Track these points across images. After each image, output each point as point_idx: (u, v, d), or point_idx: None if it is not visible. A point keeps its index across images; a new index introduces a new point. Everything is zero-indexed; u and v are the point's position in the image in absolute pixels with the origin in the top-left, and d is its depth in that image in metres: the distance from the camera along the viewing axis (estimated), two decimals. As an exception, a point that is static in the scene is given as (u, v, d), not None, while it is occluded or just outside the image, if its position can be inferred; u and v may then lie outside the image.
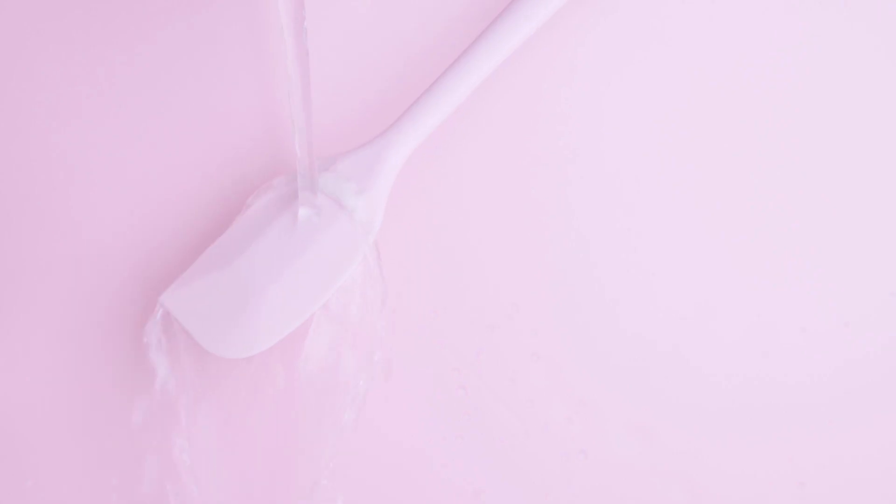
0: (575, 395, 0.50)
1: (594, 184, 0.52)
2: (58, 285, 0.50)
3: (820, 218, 0.52)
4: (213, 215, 0.51)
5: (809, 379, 0.50)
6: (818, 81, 0.52)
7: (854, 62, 0.52)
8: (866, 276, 0.51)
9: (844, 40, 0.53)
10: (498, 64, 0.49)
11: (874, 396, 0.50)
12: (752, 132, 0.52)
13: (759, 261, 0.51)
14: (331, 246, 0.48)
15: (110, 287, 0.50)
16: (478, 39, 0.50)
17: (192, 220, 0.51)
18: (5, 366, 0.50)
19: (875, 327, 0.51)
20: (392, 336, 0.50)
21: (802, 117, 0.52)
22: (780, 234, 0.51)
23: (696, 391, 0.50)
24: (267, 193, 0.49)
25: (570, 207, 0.52)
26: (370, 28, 0.53)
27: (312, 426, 0.49)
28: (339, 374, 0.49)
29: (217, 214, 0.51)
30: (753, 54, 0.52)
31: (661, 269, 0.51)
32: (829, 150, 0.52)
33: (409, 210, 0.51)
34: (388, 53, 0.52)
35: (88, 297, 0.50)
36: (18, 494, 0.49)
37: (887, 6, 0.53)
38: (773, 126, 0.52)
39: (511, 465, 0.50)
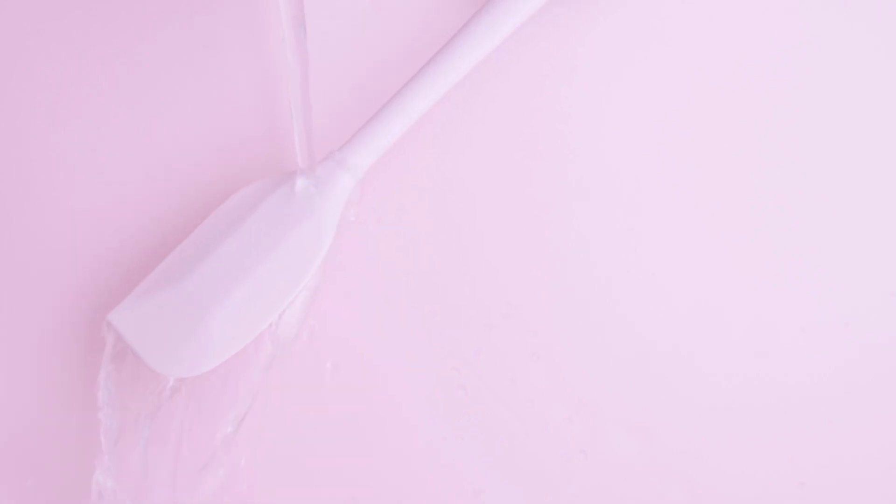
0: (575, 395, 0.50)
1: (594, 184, 0.52)
2: (58, 284, 0.50)
3: (820, 218, 0.52)
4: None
5: (809, 379, 0.50)
6: (818, 81, 0.52)
7: (854, 62, 0.52)
8: (866, 276, 0.51)
9: (844, 40, 0.53)
10: (461, 77, 0.49)
11: (874, 396, 0.50)
12: (752, 132, 0.52)
13: (759, 261, 0.51)
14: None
15: (111, 286, 0.50)
16: (435, 56, 0.49)
17: (192, 219, 0.51)
18: (6, 365, 0.50)
19: (875, 327, 0.51)
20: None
21: (802, 117, 0.52)
22: (780, 234, 0.51)
23: (696, 391, 0.50)
24: (234, 200, 0.49)
25: (570, 207, 0.51)
26: (371, 27, 0.53)
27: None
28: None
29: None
30: (753, 54, 0.52)
31: (662, 269, 0.51)
32: (829, 150, 0.52)
33: (409, 210, 0.51)
34: (388, 52, 0.52)
35: (89, 295, 0.50)
36: (18, 494, 0.49)
37: (887, 6, 0.53)
38: (773, 126, 0.52)
39: (511, 465, 0.50)
